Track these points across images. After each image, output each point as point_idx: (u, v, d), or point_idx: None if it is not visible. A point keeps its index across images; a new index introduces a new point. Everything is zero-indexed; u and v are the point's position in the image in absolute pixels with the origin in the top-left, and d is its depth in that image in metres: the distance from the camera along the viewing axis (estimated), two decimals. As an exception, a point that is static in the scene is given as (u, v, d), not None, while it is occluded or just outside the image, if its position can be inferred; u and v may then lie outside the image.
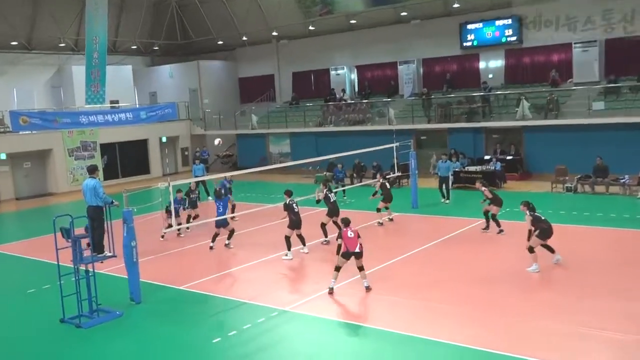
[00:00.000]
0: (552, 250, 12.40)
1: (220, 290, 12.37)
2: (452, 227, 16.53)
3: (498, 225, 15.45)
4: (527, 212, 12.31)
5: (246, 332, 10.01)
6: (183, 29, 38.49)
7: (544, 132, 24.31)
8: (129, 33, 36.46)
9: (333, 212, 15.51)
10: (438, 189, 20.61)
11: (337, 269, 11.47)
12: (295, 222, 14.38)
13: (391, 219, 17.67)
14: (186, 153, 35.73)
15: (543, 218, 12.32)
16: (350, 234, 11.39)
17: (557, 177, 21.77)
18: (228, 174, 19.06)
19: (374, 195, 17.81)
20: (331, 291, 11.49)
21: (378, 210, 17.39)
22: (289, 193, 14.70)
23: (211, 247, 15.75)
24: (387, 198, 17.38)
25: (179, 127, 35.34)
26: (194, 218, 17.69)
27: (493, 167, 23.28)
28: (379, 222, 17.38)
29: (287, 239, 14.34)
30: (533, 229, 12.19)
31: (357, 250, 11.29)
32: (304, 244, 14.69)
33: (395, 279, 12.31)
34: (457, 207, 19.78)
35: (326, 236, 15.52)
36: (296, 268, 13.95)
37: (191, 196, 17.72)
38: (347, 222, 11.69)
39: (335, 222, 15.35)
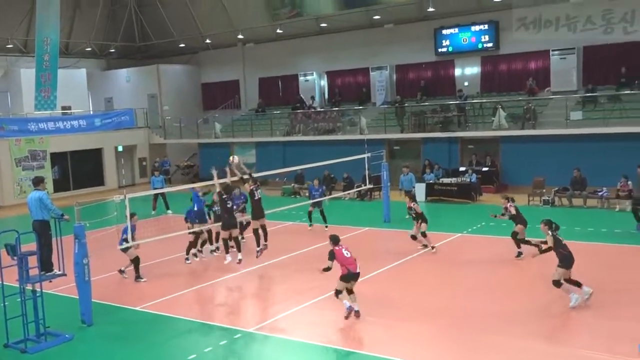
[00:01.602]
0: (578, 285, 11.34)
1: (179, 311, 12.30)
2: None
3: (518, 246, 14.80)
4: (549, 232, 11.60)
5: (207, 355, 9.97)
6: (142, 30, 38.31)
7: (521, 142, 24.83)
8: (83, 34, 36.14)
9: (258, 213, 14.03)
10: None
11: (339, 293, 10.90)
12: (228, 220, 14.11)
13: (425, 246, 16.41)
14: (144, 163, 35.37)
15: (564, 242, 11.53)
16: (346, 253, 10.90)
17: (535, 190, 22.21)
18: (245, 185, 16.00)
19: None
20: (357, 314, 10.91)
21: (424, 235, 16.19)
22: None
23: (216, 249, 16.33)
24: (425, 219, 16.37)
25: (136, 136, 35.00)
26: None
27: (469, 179, 23.64)
28: (432, 247, 16.14)
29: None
30: (547, 247, 11.57)
31: (358, 271, 10.88)
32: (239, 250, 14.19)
33: (363, 298, 12.39)
34: (431, 221, 19.93)
35: (259, 245, 14.17)
36: (262, 286, 13.95)
37: (214, 209, 16.39)
38: (336, 239, 11.12)
39: (260, 228, 14.07)
